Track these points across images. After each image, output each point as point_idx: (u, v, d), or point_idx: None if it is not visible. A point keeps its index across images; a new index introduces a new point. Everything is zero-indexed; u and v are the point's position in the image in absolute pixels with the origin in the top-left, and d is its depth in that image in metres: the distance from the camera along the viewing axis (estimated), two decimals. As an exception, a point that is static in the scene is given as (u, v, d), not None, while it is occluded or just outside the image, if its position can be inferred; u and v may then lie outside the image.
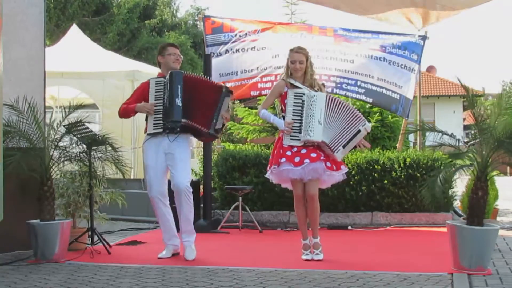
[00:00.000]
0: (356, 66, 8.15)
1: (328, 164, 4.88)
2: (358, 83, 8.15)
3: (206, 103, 5.07)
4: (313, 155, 4.84)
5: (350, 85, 8.20)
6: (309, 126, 4.83)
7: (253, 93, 8.59)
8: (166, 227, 5.24)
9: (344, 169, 4.98)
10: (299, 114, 4.88)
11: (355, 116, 4.91)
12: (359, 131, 4.89)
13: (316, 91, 4.96)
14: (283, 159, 4.89)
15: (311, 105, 4.85)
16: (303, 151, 4.86)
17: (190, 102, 5.02)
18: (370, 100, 8.35)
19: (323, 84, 5.18)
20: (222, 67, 8.32)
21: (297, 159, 4.84)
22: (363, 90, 8.19)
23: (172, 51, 5.23)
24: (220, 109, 5.08)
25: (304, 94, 4.89)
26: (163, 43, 5.64)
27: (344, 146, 4.88)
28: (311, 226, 5.05)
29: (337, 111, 4.88)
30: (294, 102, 4.90)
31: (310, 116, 4.84)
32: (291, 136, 4.90)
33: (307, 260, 4.91)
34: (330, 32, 8.29)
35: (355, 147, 5.03)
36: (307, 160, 4.80)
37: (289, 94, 4.93)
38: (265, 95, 9.14)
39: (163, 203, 5.20)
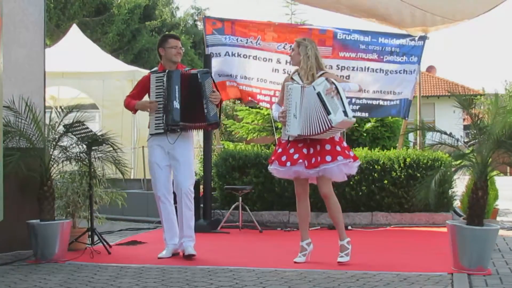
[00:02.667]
0: (352, 80, 8.14)
1: (313, 161, 4.69)
2: (353, 100, 8.15)
3: (195, 97, 5.03)
4: (295, 156, 4.73)
5: None
6: (288, 121, 4.73)
7: (251, 99, 8.61)
8: (168, 225, 5.24)
9: (341, 159, 4.66)
10: (288, 109, 4.79)
11: (309, 91, 4.67)
12: (318, 94, 4.59)
13: (307, 83, 4.76)
14: (273, 158, 4.88)
15: (288, 99, 4.75)
16: (291, 150, 4.77)
17: (188, 101, 5.02)
18: (366, 115, 8.43)
19: (323, 73, 4.81)
20: (221, 68, 8.32)
21: (283, 158, 4.78)
22: (357, 107, 8.22)
23: (174, 43, 5.16)
24: (206, 95, 5.01)
25: (289, 88, 4.78)
26: (165, 34, 5.54)
27: (328, 113, 4.53)
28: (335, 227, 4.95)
29: (308, 97, 4.67)
30: (286, 96, 4.80)
31: (288, 110, 4.73)
32: (286, 130, 4.82)
33: (298, 262, 4.83)
34: (329, 39, 8.25)
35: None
36: (288, 163, 4.74)
37: (285, 88, 4.86)
38: (264, 107, 9.16)
39: (168, 201, 5.21)
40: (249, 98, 8.62)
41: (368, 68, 8.24)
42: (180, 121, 5.02)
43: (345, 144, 4.88)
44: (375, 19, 8.38)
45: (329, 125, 4.58)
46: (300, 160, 4.72)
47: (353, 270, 4.49)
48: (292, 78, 4.94)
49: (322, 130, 4.62)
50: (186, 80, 5.07)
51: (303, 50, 4.88)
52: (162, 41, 5.23)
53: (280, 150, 4.87)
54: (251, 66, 8.37)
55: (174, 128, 5.05)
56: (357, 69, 8.23)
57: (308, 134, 4.68)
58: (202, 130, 6.52)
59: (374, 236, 6.62)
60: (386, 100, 8.20)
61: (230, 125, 11.98)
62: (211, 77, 5.18)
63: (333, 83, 4.62)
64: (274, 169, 4.87)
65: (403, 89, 8.18)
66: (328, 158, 4.68)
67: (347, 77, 8.10)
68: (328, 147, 4.72)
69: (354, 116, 6.93)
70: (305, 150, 4.76)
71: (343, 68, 8.19)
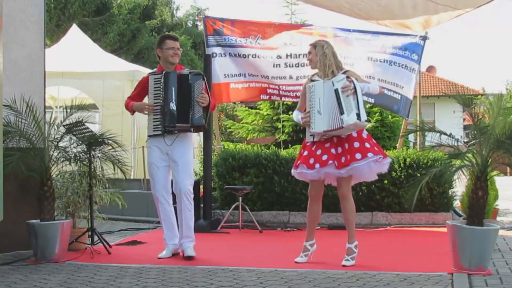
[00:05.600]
0: (355, 68, 8.14)
1: (343, 160, 4.59)
2: None
3: (185, 98, 5.03)
4: (324, 157, 4.63)
5: None
6: (312, 118, 4.65)
7: (263, 96, 8.62)
8: (168, 226, 5.25)
9: (371, 156, 4.55)
10: (311, 107, 4.72)
11: (327, 85, 4.63)
12: (336, 91, 4.54)
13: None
14: (299, 162, 4.77)
15: (311, 96, 4.69)
16: (319, 151, 4.67)
17: (180, 102, 5.03)
18: (372, 101, 8.37)
19: (346, 71, 4.78)
20: (226, 68, 8.32)
21: (311, 161, 4.67)
22: (363, 92, 8.17)
23: (171, 44, 5.16)
24: (193, 97, 5.02)
25: (310, 86, 4.73)
26: (162, 34, 5.54)
27: (342, 113, 4.49)
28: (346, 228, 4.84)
29: (327, 93, 4.63)
30: (309, 96, 4.73)
31: (312, 107, 4.66)
32: (310, 131, 4.73)
33: (298, 262, 4.82)
34: (330, 36, 8.26)
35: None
36: (317, 165, 4.63)
37: (306, 89, 4.79)
38: (274, 100, 9.20)
39: (167, 202, 5.22)
40: (261, 97, 8.61)
41: (371, 58, 8.23)
42: (177, 123, 5.04)
43: (373, 141, 4.77)
44: (376, 18, 8.36)
45: (340, 125, 4.53)
46: (330, 161, 4.62)
47: (353, 270, 4.49)
48: (312, 80, 4.86)
49: (333, 128, 4.57)
50: (179, 81, 5.08)
51: (320, 50, 4.80)
52: (160, 42, 5.22)
53: (306, 153, 4.76)
54: (255, 64, 8.37)
55: (171, 130, 5.06)
56: (360, 58, 8.22)
57: (332, 129, 4.59)
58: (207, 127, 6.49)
59: (374, 236, 6.62)
60: (391, 90, 8.19)
61: (230, 125, 11.99)
62: (204, 79, 5.13)
63: (352, 82, 4.56)
64: (301, 172, 4.75)
65: (404, 84, 8.17)
66: (358, 155, 4.57)
67: (351, 65, 8.10)
68: (357, 144, 4.62)
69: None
70: (333, 150, 4.66)
71: (346, 57, 8.18)
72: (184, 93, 5.03)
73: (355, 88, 4.55)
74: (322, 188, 4.87)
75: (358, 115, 4.50)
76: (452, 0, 7.72)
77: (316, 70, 4.90)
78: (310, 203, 4.89)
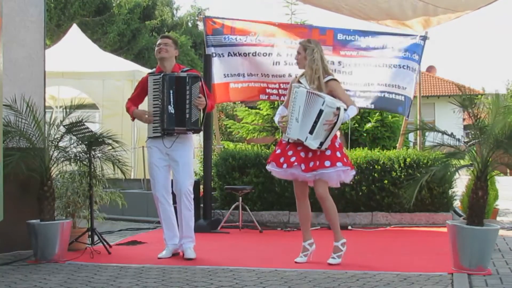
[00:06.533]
0: (354, 77, 8.14)
1: (311, 165, 4.69)
2: (357, 93, 8.16)
3: (181, 100, 5.05)
4: (292, 159, 4.74)
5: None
6: (289, 123, 4.74)
7: (262, 96, 8.66)
8: (168, 226, 5.25)
9: (340, 166, 4.67)
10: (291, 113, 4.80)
11: (316, 99, 4.67)
12: (320, 111, 4.64)
13: (313, 87, 4.76)
14: (271, 159, 4.89)
15: (293, 102, 4.74)
16: (290, 152, 4.78)
17: (181, 105, 5.04)
18: (372, 106, 8.38)
19: (332, 80, 4.82)
20: (226, 68, 8.34)
21: (281, 160, 4.79)
22: (362, 99, 8.19)
23: (158, 42, 5.22)
24: (191, 100, 5.04)
25: (295, 91, 4.77)
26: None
27: (311, 133, 4.66)
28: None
29: (312, 104, 4.69)
30: (291, 99, 4.78)
31: (292, 113, 4.74)
32: (286, 132, 4.82)
33: (298, 262, 4.84)
34: (329, 39, 8.25)
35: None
36: (285, 165, 4.75)
37: (292, 90, 4.84)
38: (273, 100, 9.22)
39: (167, 202, 5.22)
40: (260, 97, 8.64)
41: (371, 63, 8.23)
42: (175, 126, 5.06)
43: (344, 150, 4.90)
44: (376, 18, 8.36)
45: (303, 140, 4.71)
46: (296, 163, 4.72)
47: (353, 270, 4.50)
48: (299, 81, 4.92)
49: (300, 139, 4.72)
50: (177, 84, 5.09)
51: (309, 54, 4.84)
52: (155, 45, 5.32)
53: (278, 151, 4.88)
54: (254, 63, 8.38)
55: (171, 132, 5.08)
56: (360, 65, 8.22)
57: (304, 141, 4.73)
58: (203, 129, 6.51)
59: (374, 236, 6.62)
60: (392, 93, 8.19)
61: (230, 125, 12.00)
62: (201, 81, 5.14)
63: (338, 115, 4.61)
64: (271, 169, 4.90)
65: (407, 85, 8.18)
66: (327, 163, 4.68)
67: (349, 73, 8.09)
68: (328, 152, 4.73)
69: (359, 108, 6.64)
70: (303, 154, 4.76)
71: (345, 65, 8.18)
72: (181, 96, 5.05)
73: (335, 123, 4.64)
74: (306, 187, 4.96)
75: (321, 144, 4.70)
76: (452, 3, 7.74)
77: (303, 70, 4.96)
78: (297, 203, 5.01)
